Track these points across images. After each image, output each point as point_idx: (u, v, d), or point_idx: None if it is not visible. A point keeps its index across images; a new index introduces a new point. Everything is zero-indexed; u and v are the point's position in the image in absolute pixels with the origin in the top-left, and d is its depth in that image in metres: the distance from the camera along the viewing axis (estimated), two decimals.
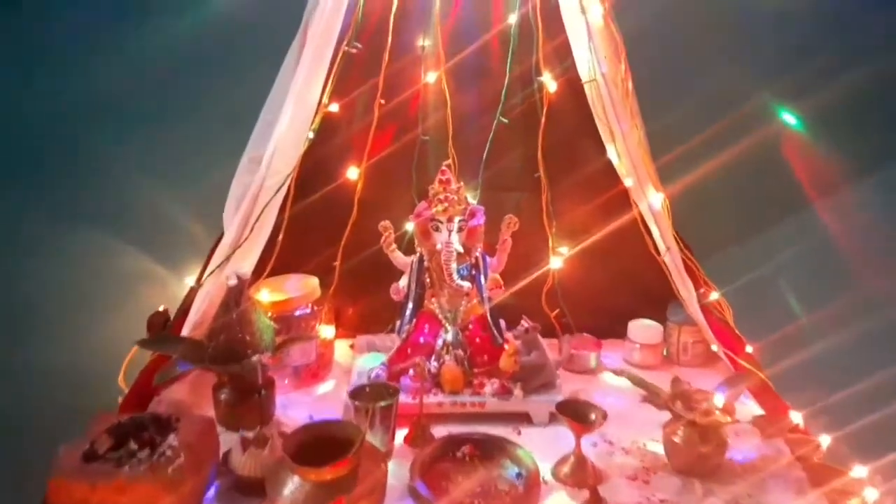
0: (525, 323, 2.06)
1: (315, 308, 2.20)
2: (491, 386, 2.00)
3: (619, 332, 2.38)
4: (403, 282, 2.20)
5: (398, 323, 2.15)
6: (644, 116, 2.21)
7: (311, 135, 2.04)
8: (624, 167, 2.15)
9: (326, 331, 2.23)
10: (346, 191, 2.16)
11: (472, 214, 2.09)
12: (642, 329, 2.35)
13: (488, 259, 2.17)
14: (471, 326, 2.12)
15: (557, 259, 2.31)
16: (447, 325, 2.10)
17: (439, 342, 2.09)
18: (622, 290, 2.36)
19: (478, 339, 2.13)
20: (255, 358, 1.70)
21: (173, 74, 2.40)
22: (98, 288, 2.42)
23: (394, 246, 2.14)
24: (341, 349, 2.34)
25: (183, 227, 2.45)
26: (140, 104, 2.42)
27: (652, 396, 2.12)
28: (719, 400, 1.81)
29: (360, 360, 2.23)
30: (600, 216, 2.22)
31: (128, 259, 2.46)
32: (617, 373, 2.24)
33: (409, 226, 2.23)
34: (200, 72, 2.38)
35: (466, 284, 2.09)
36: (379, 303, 2.22)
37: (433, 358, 2.08)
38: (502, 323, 2.20)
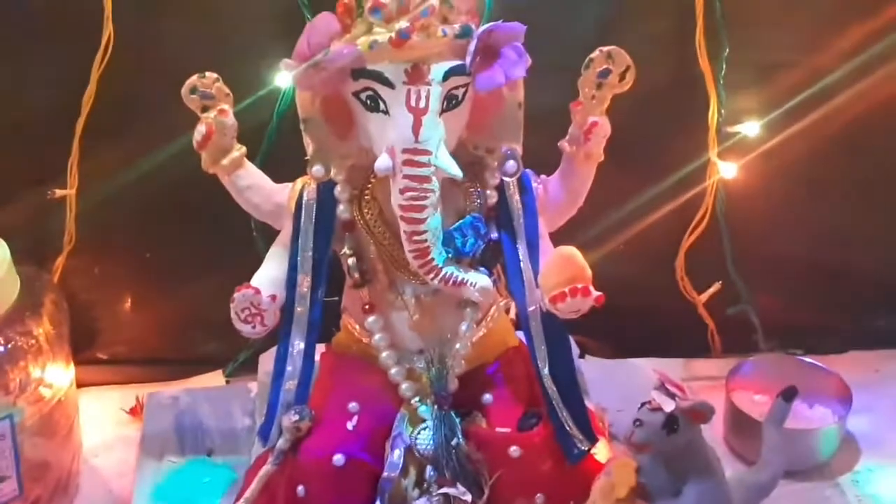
0: (660, 392, 1.07)
1: (17, 329, 1.22)
2: None
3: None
4: (272, 271, 1.10)
5: (263, 390, 1.19)
6: None
7: None
8: None
9: (56, 378, 1.28)
10: None
11: (488, 50, 1.05)
12: None
13: (535, 187, 1.10)
14: (489, 399, 1.12)
15: (728, 164, 1.26)
16: (413, 395, 1.10)
17: (394, 454, 1.10)
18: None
19: (514, 450, 1.05)
20: None
21: None
22: None
23: (237, 152, 1.11)
24: (97, 417, 1.43)
25: None
26: None
27: None
28: None
29: (154, 479, 1.28)
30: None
31: None
32: None
33: (284, 83, 1.28)
34: None
35: (479, 279, 1.04)
36: (197, 297, 1.44)
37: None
38: (583, 380, 1.20)
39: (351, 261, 1.10)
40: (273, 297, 1.05)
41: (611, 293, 1.00)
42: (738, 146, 1.37)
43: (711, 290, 1.42)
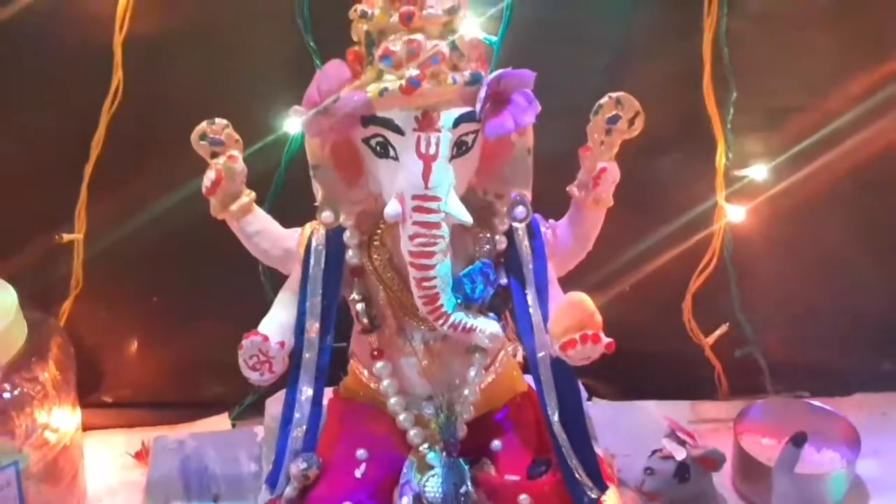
0: (671, 440, 1.03)
1: (24, 375, 1.10)
2: None
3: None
4: (280, 317, 1.01)
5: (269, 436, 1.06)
6: None
7: None
8: None
9: (62, 422, 1.16)
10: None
11: (498, 97, 0.91)
12: None
13: (543, 232, 1.01)
14: (498, 446, 1.01)
15: (736, 208, 1.16)
16: (422, 442, 0.98)
17: (403, 502, 0.99)
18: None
19: (524, 498, 0.97)
20: None
21: None
22: None
23: (246, 198, 1.00)
24: (102, 462, 1.27)
25: None
26: None
27: None
28: None
29: None
30: None
31: None
32: None
33: (293, 129, 1.12)
34: None
35: (489, 325, 0.95)
36: (204, 340, 1.33)
37: None
38: (591, 424, 1.09)
39: (360, 306, 1.02)
40: (282, 344, 0.98)
41: (618, 335, 0.94)
42: (746, 190, 1.26)
43: (718, 332, 1.33)
